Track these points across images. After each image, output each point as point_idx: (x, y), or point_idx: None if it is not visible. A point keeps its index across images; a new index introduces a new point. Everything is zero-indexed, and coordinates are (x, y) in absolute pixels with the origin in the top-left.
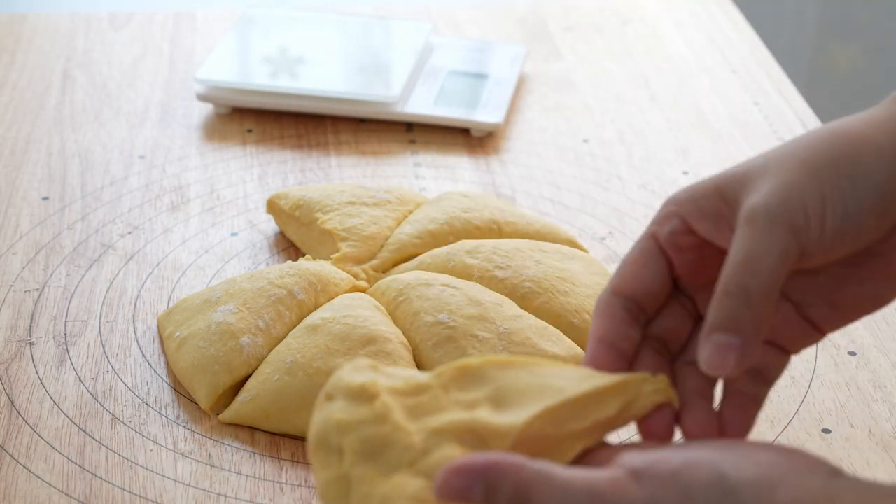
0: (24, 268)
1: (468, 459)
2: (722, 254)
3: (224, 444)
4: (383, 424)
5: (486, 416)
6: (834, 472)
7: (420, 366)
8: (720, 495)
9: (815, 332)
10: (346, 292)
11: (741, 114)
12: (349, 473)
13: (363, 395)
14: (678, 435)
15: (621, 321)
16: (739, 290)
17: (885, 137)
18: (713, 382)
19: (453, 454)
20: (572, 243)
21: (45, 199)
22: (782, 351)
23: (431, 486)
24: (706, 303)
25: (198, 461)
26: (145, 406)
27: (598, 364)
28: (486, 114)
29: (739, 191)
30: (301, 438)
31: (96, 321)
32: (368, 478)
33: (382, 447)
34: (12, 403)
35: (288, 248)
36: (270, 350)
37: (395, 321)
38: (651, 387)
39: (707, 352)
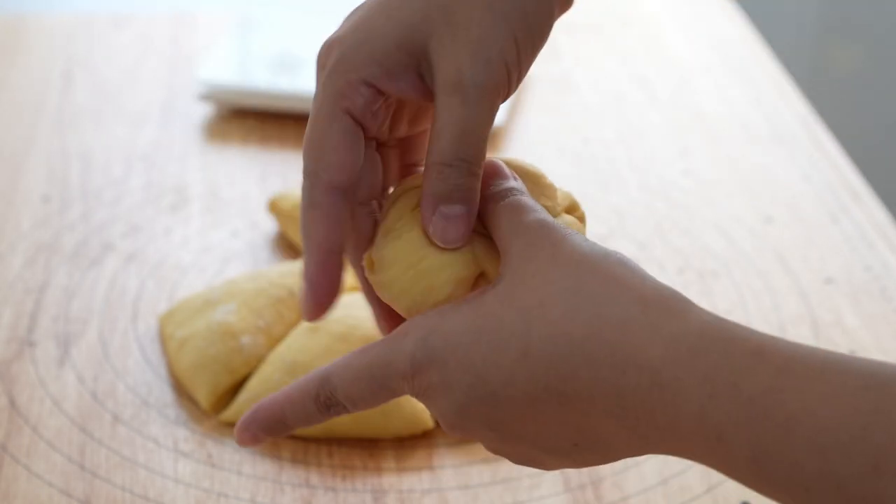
0: (24, 268)
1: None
2: (411, 104)
3: (224, 444)
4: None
5: None
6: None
7: None
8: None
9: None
10: (346, 292)
11: (741, 114)
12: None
13: None
14: None
15: (345, 220)
16: (460, 161)
17: None
18: None
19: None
20: None
21: (46, 199)
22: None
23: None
24: (398, 149)
25: (198, 461)
26: (145, 406)
27: (329, 275)
28: None
29: (426, 42)
30: (301, 438)
31: (96, 321)
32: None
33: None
34: (12, 403)
35: (288, 248)
36: (271, 350)
37: None
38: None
39: (438, 225)
